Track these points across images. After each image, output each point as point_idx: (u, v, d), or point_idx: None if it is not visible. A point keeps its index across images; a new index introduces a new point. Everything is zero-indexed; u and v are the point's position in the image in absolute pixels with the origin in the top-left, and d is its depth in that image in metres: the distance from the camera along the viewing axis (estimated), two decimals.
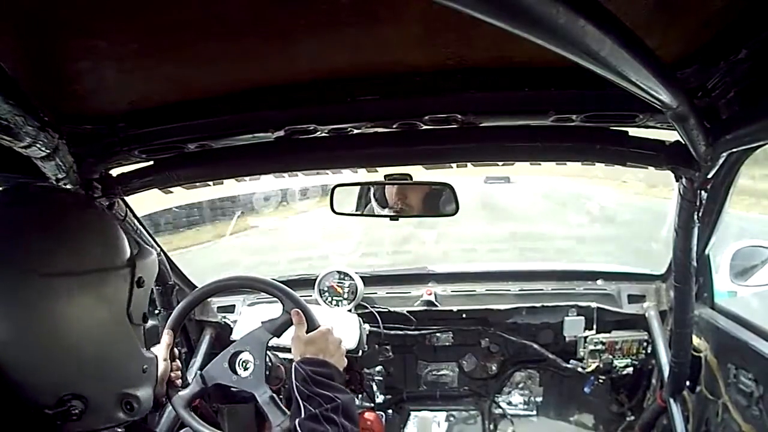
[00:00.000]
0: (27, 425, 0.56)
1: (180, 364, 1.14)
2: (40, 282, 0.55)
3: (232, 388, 1.20)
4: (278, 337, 1.18)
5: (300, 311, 1.08)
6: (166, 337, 1.10)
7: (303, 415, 0.84)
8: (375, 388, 1.94)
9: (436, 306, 1.87)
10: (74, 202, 0.65)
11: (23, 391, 0.55)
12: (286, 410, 1.12)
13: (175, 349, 1.12)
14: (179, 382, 1.12)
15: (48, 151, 0.74)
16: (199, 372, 1.18)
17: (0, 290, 0.54)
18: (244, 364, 1.21)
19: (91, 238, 0.61)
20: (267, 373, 1.20)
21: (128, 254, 0.64)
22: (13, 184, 0.62)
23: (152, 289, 1.57)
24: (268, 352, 1.22)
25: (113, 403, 0.62)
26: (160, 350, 1.07)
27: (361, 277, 1.88)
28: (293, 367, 0.93)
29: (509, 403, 2.01)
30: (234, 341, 1.24)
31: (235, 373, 1.19)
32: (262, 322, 1.19)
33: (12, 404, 0.55)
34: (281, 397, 1.67)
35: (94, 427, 0.60)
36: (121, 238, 0.64)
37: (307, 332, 1.05)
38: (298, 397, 0.87)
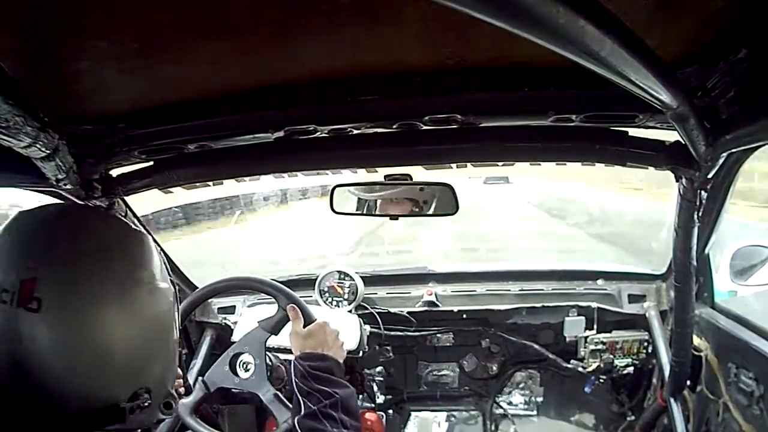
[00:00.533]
0: (101, 417, 0.61)
1: (182, 373, 1.13)
2: (144, 288, 0.64)
3: (233, 390, 1.20)
4: (276, 334, 1.18)
5: (295, 306, 1.08)
6: None
7: (302, 413, 0.85)
8: (375, 388, 1.94)
9: (437, 306, 1.87)
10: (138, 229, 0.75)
11: (101, 389, 0.60)
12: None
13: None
14: (182, 390, 1.12)
15: (48, 151, 0.74)
16: (201, 378, 1.18)
17: (112, 293, 0.60)
18: (244, 365, 1.21)
19: (157, 256, 0.70)
20: (268, 373, 1.20)
21: None
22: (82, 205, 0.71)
23: None
24: (268, 354, 1.22)
25: (161, 400, 0.67)
26: None
27: (362, 277, 1.88)
28: (292, 363, 0.93)
29: (510, 403, 2.01)
30: (234, 342, 1.24)
31: (237, 374, 1.19)
32: (258, 322, 1.19)
33: (90, 399, 0.60)
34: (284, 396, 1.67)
35: (142, 426, 0.66)
36: None
37: (304, 326, 1.05)
38: (298, 394, 0.88)
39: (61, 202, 0.73)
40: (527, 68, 0.80)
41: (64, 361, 0.57)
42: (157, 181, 1.12)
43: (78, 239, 0.62)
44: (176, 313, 0.70)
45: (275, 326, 1.18)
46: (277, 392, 1.14)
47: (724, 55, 0.67)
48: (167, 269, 0.72)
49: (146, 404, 0.63)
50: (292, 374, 0.91)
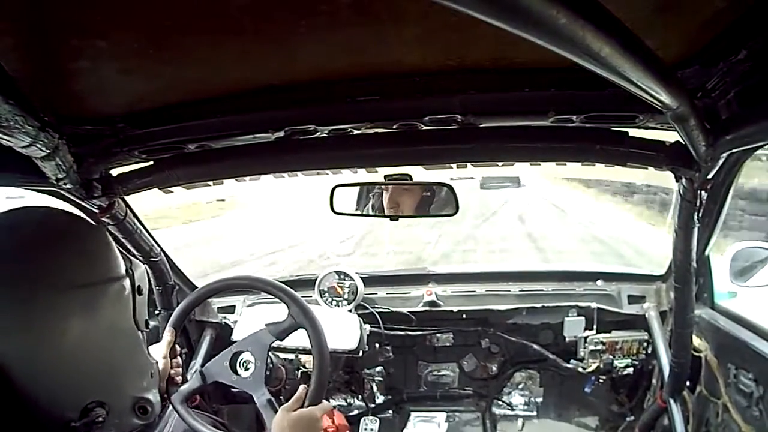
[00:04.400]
0: None
1: (180, 362, 1.13)
2: (60, 295, 0.56)
3: (233, 389, 1.20)
4: (281, 340, 1.18)
5: (306, 387, 1.06)
6: (168, 335, 1.10)
7: None
8: (375, 388, 1.94)
9: (437, 306, 1.87)
10: (75, 220, 0.67)
11: (48, 408, 0.56)
12: None
13: (176, 347, 1.12)
14: (179, 379, 1.12)
15: (48, 151, 0.74)
16: (199, 369, 1.18)
17: (22, 308, 0.54)
18: (245, 364, 1.21)
19: (97, 251, 0.63)
20: (267, 373, 1.20)
21: (124, 265, 0.66)
22: (14, 208, 0.63)
23: (152, 289, 1.58)
24: (269, 353, 1.22)
25: (129, 408, 0.63)
26: (161, 348, 1.07)
27: (362, 277, 1.88)
28: None
29: (509, 404, 2.01)
30: (234, 342, 1.24)
31: (236, 372, 1.19)
32: (266, 325, 1.18)
33: (38, 425, 0.55)
34: (281, 397, 1.67)
35: None
36: (117, 251, 0.66)
37: (303, 404, 1.02)
38: None
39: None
40: (528, 69, 0.80)
41: None
42: (157, 180, 1.12)
43: (5, 242, 0.56)
44: (133, 310, 0.65)
45: (282, 333, 1.17)
46: (271, 398, 1.13)
47: (724, 55, 0.67)
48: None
49: (100, 419, 0.57)
50: None
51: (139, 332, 0.66)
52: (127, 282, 0.64)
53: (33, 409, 0.54)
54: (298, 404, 1.02)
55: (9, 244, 0.57)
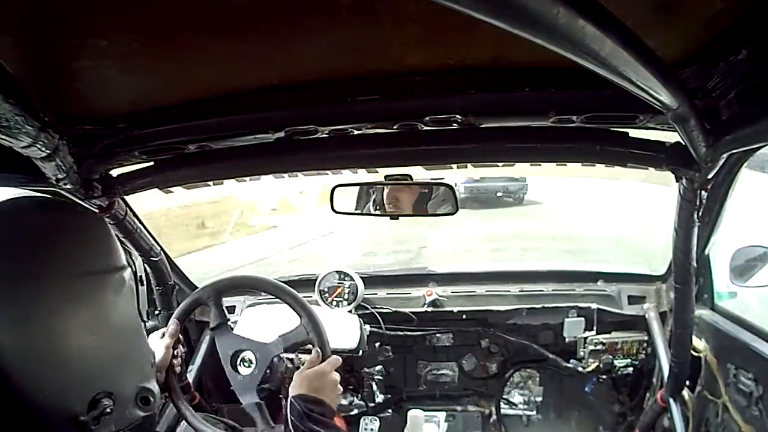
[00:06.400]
0: None
1: (182, 351, 1.17)
2: (70, 282, 0.57)
3: (232, 389, 1.20)
4: (291, 353, 1.18)
5: (320, 351, 1.08)
6: (172, 326, 1.13)
7: None
8: (375, 388, 1.94)
9: (438, 307, 1.87)
10: (83, 212, 0.67)
11: (55, 403, 0.55)
12: (271, 422, 1.13)
13: (180, 337, 1.14)
14: (178, 369, 1.15)
15: (48, 151, 0.74)
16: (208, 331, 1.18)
17: (24, 300, 0.54)
18: (245, 363, 1.21)
19: (105, 241, 0.64)
20: (267, 372, 1.20)
21: (125, 256, 0.67)
22: (12, 198, 0.63)
23: (152, 289, 1.58)
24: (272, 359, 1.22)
25: (133, 398, 0.63)
26: (165, 338, 1.10)
27: (362, 277, 1.88)
28: (289, 401, 0.96)
29: (509, 403, 2.01)
30: (239, 337, 1.23)
31: (236, 369, 1.19)
32: (280, 336, 1.17)
33: (43, 421, 0.54)
34: (281, 395, 1.67)
35: (118, 428, 0.61)
36: (117, 242, 0.67)
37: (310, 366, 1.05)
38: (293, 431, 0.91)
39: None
40: (528, 69, 0.80)
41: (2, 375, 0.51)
42: (157, 181, 1.12)
43: (6, 233, 0.56)
44: (133, 300, 0.65)
45: (292, 346, 1.17)
46: (261, 402, 1.14)
47: (725, 55, 0.67)
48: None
49: (108, 410, 0.57)
50: (288, 412, 0.94)
51: (141, 322, 0.67)
52: (129, 272, 0.65)
53: (38, 404, 0.53)
54: (310, 366, 1.06)
55: (9, 235, 0.56)
